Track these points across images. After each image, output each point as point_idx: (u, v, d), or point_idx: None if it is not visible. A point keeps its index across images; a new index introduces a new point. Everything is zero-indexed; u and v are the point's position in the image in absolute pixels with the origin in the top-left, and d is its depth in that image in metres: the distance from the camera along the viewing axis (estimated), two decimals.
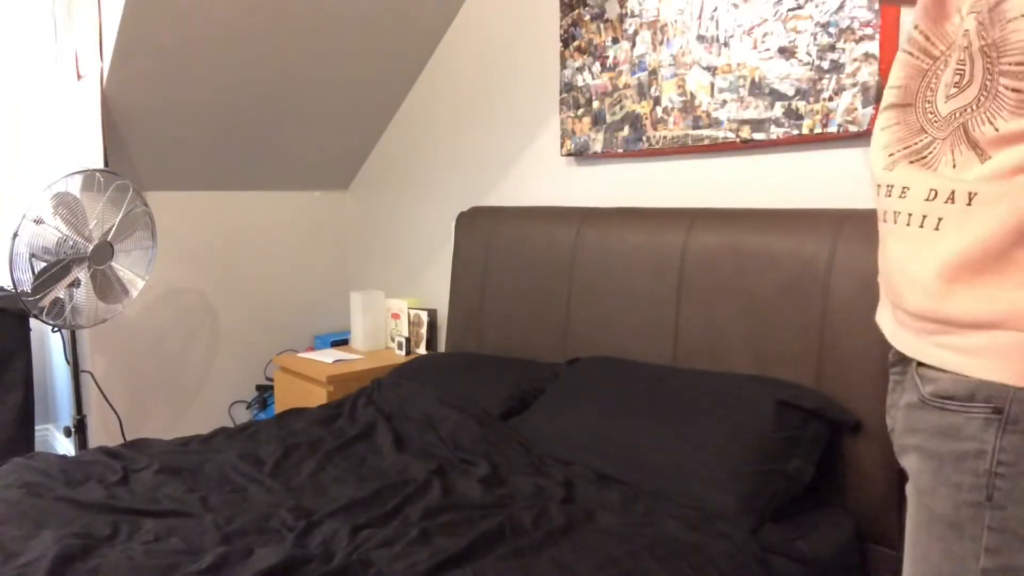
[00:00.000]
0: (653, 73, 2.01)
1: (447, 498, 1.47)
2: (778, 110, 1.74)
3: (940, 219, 0.85)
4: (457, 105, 2.74)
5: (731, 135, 1.84)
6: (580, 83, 2.20)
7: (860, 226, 1.49)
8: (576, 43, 2.20)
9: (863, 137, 1.63)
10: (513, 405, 1.93)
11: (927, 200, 0.86)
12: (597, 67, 2.15)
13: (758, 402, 1.50)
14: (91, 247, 2.25)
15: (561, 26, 2.24)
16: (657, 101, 2.00)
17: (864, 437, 1.45)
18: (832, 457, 1.51)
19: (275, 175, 3.07)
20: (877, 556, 1.47)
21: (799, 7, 1.68)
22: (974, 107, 0.83)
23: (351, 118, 2.96)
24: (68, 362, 2.61)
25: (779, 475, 1.41)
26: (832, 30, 1.63)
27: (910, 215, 0.88)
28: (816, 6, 1.65)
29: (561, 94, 2.26)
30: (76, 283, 2.26)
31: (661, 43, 1.98)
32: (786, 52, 1.72)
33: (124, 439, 2.76)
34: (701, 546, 1.26)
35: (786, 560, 1.28)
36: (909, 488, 0.92)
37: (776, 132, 1.75)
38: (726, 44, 1.83)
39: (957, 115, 0.85)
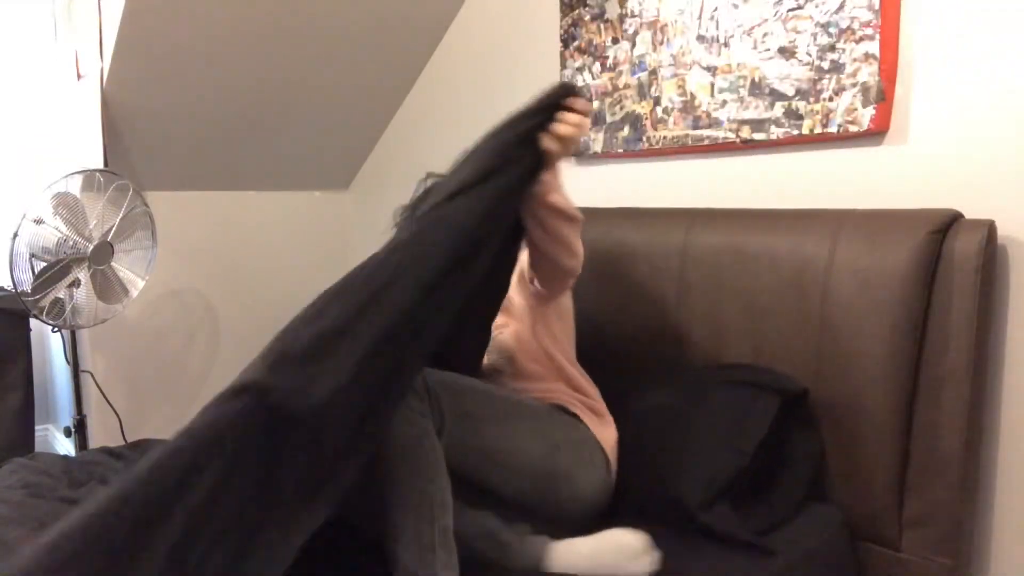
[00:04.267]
0: (653, 73, 2.01)
1: None
2: (778, 110, 1.74)
3: None
4: (457, 105, 2.74)
5: (731, 135, 1.84)
6: (580, 83, 2.20)
7: (860, 226, 1.50)
8: (576, 43, 2.21)
9: (863, 137, 1.64)
10: None
11: None
12: (597, 67, 2.15)
13: (704, 385, 1.55)
14: (91, 247, 2.25)
15: (561, 26, 2.25)
16: (657, 101, 2.00)
17: (862, 437, 1.45)
18: (827, 456, 1.51)
19: (275, 175, 3.07)
20: (876, 556, 1.47)
21: (799, 7, 1.68)
22: None
23: (351, 118, 2.96)
24: (68, 362, 2.61)
25: (735, 453, 1.42)
26: (832, 30, 1.63)
27: None
28: (816, 6, 1.65)
29: None
30: (76, 283, 2.26)
31: (661, 43, 1.98)
32: (786, 52, 1.72)
33: (124, 439, 2.75)
34: None
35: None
36: None
37: (776, 132, 1.75)
38: (726, 44, 1.83)
39: None
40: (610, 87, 2.12)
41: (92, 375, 2.71)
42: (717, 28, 1.85)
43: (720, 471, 1.38)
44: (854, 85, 1.60)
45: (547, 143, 1.23)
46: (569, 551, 1.21)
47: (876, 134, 1.61)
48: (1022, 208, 1.42)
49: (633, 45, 2.05)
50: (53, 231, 2.19)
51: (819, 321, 1.52)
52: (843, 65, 1.62)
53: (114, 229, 2.30)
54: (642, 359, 1.86)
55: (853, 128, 1.61)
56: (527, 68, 2.43)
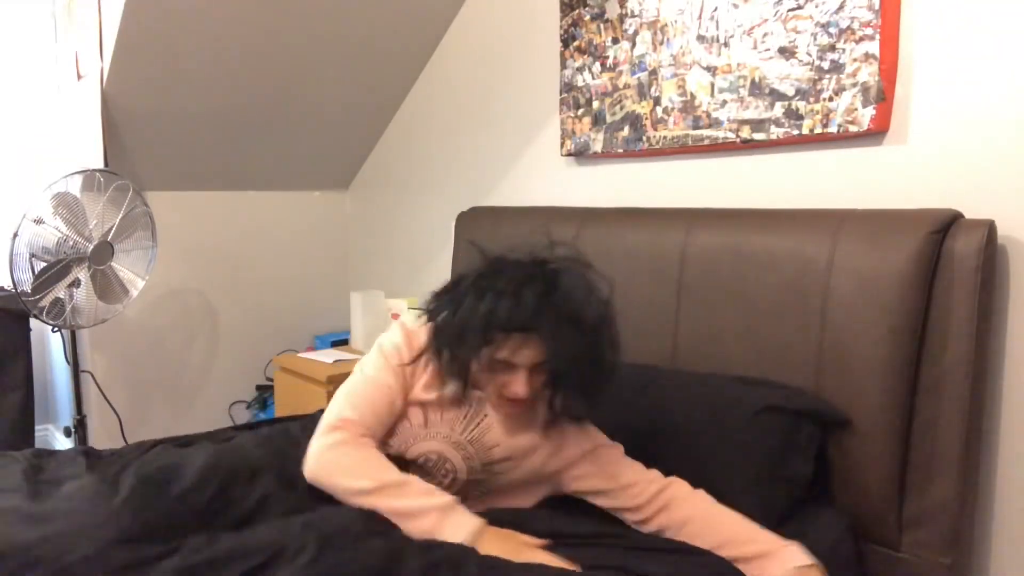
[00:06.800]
0: (653, 73, 2.01)
1: None
2: (778, 110, 1.74)
3: None
4: (457, 105, 2.74)
5: (731, 135, 1.84)
6: (580, 83, 2.20)
7: (860, 226, 1.49)
8: (576, 43, 2.21)
9: (863, 137, 1.64)
10: None
11: None
12: (597, 67, 2.15)
13: (746, 409, 1.48)
14: (91, 247, 2.25)
15: (561, 26, 2.25)
16: (657, 101, 2.00)
17: (862, 438, 1.45)
18: (828, 458, 1.51)
19: (275, 175, 3.07)
20: (876, 556, 1.47)
21: (799, 7, 1.68)
22: None
23: (351, 118, 2.96)
24: (68, 362, 2.61)
25: (781, 481, 1.41)
26: (832, 30, 1.63)
27: None
28: (816, 6, 1.65)
29: (561, 94, 2.27)
30: (76, 283, 2.26)
31: (661, 43, 1.98)
32: (786, 52, 1.72)
33: (124, 439, 2.76)
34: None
35: None
36: None
37: (776, 132, 1.75)
38: (726, 44, 1.83)
39: None
40: (610, 87, 2.12)
41: (92, 375, 2.72)
42: (717, 28, 1.85)
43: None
44: (854, 85, 1.60)
45: None
46: None
47: (876, 134, 1.61)
48: (1022, 208, 1.42)
49: (633, 45, 2.05)
50: (53, 231, 2.19)
51: (819, 321, 1.52)
52: (843, 65, 1.61)
53: (114, 229, 2.30)
54: (641, 360, 1.86)
55: (853, 128, 1.61)
56: (527, 68, 2.43)
